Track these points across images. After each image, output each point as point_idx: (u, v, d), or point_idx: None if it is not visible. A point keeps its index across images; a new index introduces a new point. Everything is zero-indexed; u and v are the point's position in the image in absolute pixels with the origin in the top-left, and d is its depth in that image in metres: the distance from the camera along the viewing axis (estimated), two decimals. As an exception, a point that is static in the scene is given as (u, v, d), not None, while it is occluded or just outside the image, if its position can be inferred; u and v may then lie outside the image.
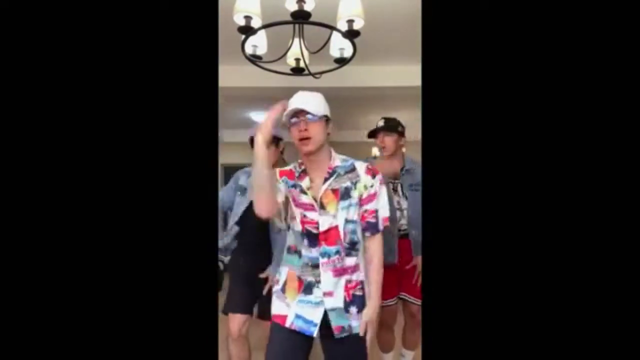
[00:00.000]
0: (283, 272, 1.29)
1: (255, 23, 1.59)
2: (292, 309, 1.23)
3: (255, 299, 1.86)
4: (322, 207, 1.21)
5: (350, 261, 1.22)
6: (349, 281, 1.22)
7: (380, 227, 1.26)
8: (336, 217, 1.21)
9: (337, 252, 1.20)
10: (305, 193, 1.23)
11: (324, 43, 1.79)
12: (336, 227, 1.20)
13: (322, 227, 1.20)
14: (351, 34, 1.65)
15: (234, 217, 1.92)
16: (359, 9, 1.61)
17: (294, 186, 1.26)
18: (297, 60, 1.98)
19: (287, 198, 1.26)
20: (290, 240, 1.28)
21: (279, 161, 1.87)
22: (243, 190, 1.93)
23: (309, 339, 1.22)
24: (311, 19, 1.60)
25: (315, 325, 1.19)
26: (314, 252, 1.21)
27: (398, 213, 1.84)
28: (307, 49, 1.79)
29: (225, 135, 5.55)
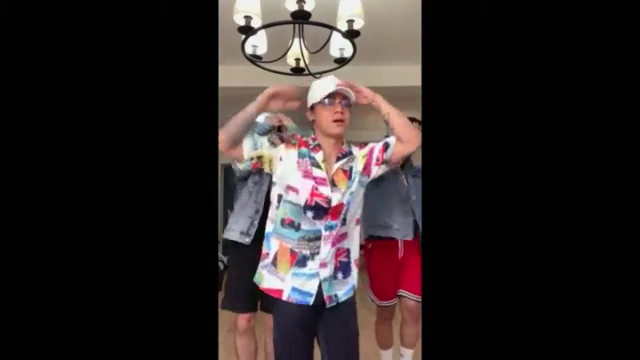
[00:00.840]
0: (274, 246, 1.28)
1: (255, 23, 1.59)
2: (287, 282, 1.24)
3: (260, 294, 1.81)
4: (334, 184, 1.25)
5: (345, 229, 1.28)
6: (338, 249, 1.27)
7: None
8: (344, 194, 1.26)
9: (337, 226, 1.25)
10: (319, 167, 1.25)
11: (324, 43, 1.79)
12: (342, 204, 1.25)
13: (333, 203, 1.23)
14: (351, 34, 1.65)
15: (253, 204, 1.79)
16: (359, 9, 1.61)
17: (306, 157, 1.26)
18: (297, 60, 1.98)
19: (270, 160, 1.26)
20: (284, 213, 1.25)
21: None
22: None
23: (310, 308, 1.24)
24: (311, 19, 1.60)
25: (312, 295, 1.22)
26: (318, 225, 1.23)
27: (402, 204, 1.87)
28: (307, 49, 1.79)
29: (225, 135, 5.54)
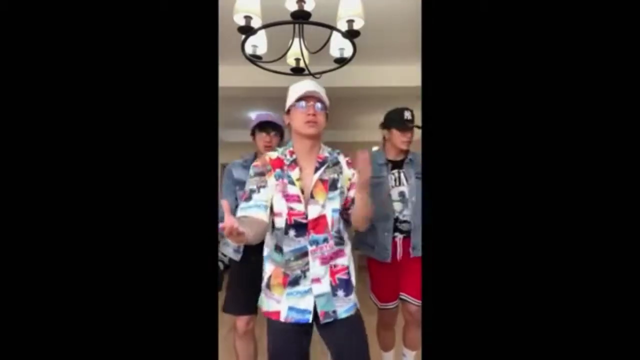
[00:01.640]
0: (268, 269, 1.30)
1: (255, 23, 1.59)
2: (282, 303, 1.25)
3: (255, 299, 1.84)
4: (312, 196, 1.25)
5: (337, 248, 1.28)
6: (334, 266, 1.27)
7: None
8: (324, 206, 1.25)
9: (325, 240, 1.25)
10: (293, 184, 1.25)
11: (324, 43, 1.79)
12: (324, 216, 1.25)
13: (311, 216, 1.23)
14: (351, 34, 1.65)
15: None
16: (359, 9, 1.61)
17: (281, 177, 1.26)
18: (297, 60, 1.98)
19: (271, 208, 1.27)
20: (275, 238, 1.28)
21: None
22: (242, 184, 1.83)
23: (307, 327, 1.25)
24: (311, 19, 1.60)
25: (310, 312, 1.23)
26: (302, 242, 1.23)
27: (399, 205, 1.81)
28: (307, 49, 1.79)
29: (225, 135, 5.56)
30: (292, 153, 1.30)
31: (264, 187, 1.25)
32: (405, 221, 1.82)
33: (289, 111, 1.29)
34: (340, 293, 1.26)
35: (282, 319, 1.24)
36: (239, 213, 1.23)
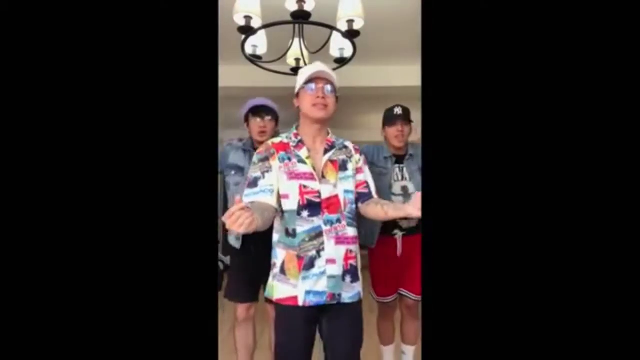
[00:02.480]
0: (280, 255, 1.27)
1: (255, 23, 1.59)
2: (299, 287, 1.22)
3: (261, 284, 1.81)
4: (323, 176, 1.25)
5: (351, 231, 1.27)
6: (349, 251, 1.26)
7: (374, 194, 1.37)
8: (336, 186, 1.26)
9: (339, 220, 1.25)
10: (304, 162, 1.25)
11: (324, 43, 1.79)
12: (337, 196, 1.25)
13: (324, 195, 1.23)
14: (351, 34, 1.65)
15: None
16: (359, 9, 1.62)
17: (289, 158, 1.25)
18: (297, 60, 1.98)
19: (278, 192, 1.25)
20: (285, 222, 1.25)
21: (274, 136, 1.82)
22: (238, 169, 1.80)
23: (316, 311, 1.24)
24: (311, 19, 1.61)
25: (325, 293, 1.22)
26: (317, 222, 1.22)
27: (401, 200, 1.81)
28: (307, 49, 1.80)
29: (225, 135, 5.56)
30: (297, 135, 1.30)
31: (268, 172, 1.24)
32: (405, 218, 1.82)
33: (298, 94, 1.29)
34: (348, 279, 1.26)
35: (300, 303, 1.22)
36: (245, 200, 1.19)
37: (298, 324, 1.23)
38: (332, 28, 1.63)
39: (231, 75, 2.89)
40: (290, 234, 1.24)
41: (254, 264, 1.73)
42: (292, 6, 1.60)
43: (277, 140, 1.31)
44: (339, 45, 1.83)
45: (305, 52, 1.82)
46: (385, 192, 1.77)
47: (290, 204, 1.23)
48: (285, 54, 1.86)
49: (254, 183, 1.24)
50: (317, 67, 1.25)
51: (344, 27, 1.64)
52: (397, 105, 1.89)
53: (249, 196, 1.22)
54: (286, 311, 1.25)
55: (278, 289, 1.26)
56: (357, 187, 1.34)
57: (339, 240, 1.24)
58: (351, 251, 1.27)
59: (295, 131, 1.31)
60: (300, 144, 1.28)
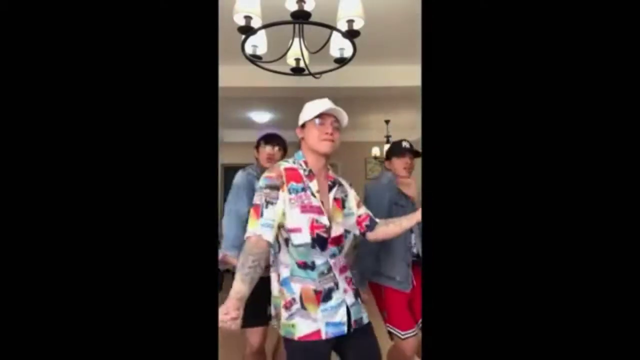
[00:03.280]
0: (296, 290, 1.20)
1: (255, 23, 1.59)
2: (319, 322, 1.19)
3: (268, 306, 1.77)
4: (329, 213, 1.26)
5: (345, 260, 1.33)
6: (347, 277, 1.30)
7: (376, 220, 1.43)
8: (339, 224, 1.30)
9: (340, 251, 1.30)
10: (314, 196, 1.23)
11: (324, 43, 1.79)
12: (342, 235, 1.31)
13: (333, 234, 1.25)
14: (351, 34, 1.65)
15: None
16: (359, 9, 1.62)
17: (304, 189, 1.22)
18: (297, 60, 1.98)
19: (279, 226, 1.21)
20: (297, 256, 1.21)
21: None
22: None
23: (334, 342, 1.23)
24: (311, 19, 1.61)
25: (344, 323, 1.22)
26: (325, 256, 1.23)
27: (412, 236, 1.80)
28: (307, 49, 1.80)
29: (225, 135, 5.56)
30: (306, 163, 1.27)
31: (272, 203, 1.18)
32: (418, 256, 1.83)
33: (303, 125, 1.28)
34: (359, 300, 1.31)
35: (323, 337, 1.18)
36: (250, 230, 1.17)
37: (321, 359, 1.22)
38: (332, 28, 1.63)
39: (231, 75, 2.89)
40: (309, 266, 1.20)
41: (261, 286, 1.65)
42: (292, 6, 1.59)
43: (287, 165, 1.26)
44: (339, 45, 1.83)
45: (305, 52, 1.82)
46: (394, 249, 1.77)
47: (303, 237, 1.19)
48: (285, 54, 1.86)
49: (260, 213, 1.18)
50: (328, 103, 1.26)
51: (344, 27, 1.64)
52: (405, 140, 1.92)
53: (253, 226, 1.17)
54: (308, 347, 1.19)
55: (300, 325, 1.19)
56: (362, 221, 1.40)
57: (342, 270, 1.29)
58: (347, 277, 1.30)
59: (305, 159, 1.27)
60: (311, 174, 1.25)
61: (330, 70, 1.91)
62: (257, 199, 1.20)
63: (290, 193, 1.20)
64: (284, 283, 1.22)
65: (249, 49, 1.79)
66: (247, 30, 1.60)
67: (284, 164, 1.26)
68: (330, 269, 1.23)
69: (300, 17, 1.59)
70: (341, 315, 1.22)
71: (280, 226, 1.20)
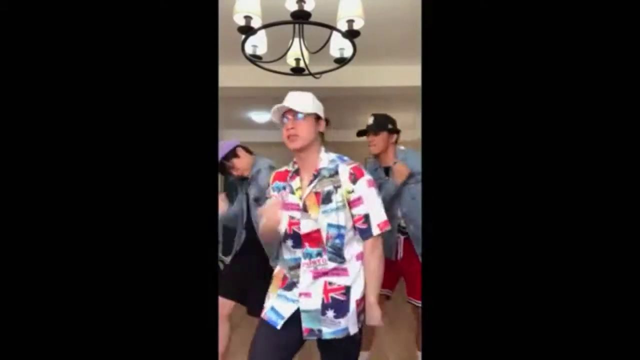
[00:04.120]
0: (276, 270, 1.35)
1: (255, 23, 1.59)
2: (270, 301, 1.26)
3: (246, 292, 1.91)
4: (305, 209, 1.23)
5: (332, 264, 1.20)
6: (329, 283, 1.19)
7: (374, 232, 1.22)
8: (317, 221, 1.19)
9: (319, 254, 1.20)
10: (293, 193, 1.27)
11: (324, 43, 1.79)
12: (318, 231, 1.20)
13: (304, 230, 1.21)
14: (351, 34, 1.65)
15: (241, 223, 1.99)
16: (359, 9, 1.62)
17: (284, 187, 1.30)
18: (297, 60, 1.98)
19: None
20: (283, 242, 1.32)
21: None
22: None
23: (281, 333, 1.19)
24: (311, 19, 1.61)
25: (282, 318, 1.20)
26: (297, 253, 1.23)
27: (399, 211, 1.83)
28: (307, 49, 1.80)
29: (225, 135, 5.56)
30: (294, 164, 1.33)
31: (269, 198, 1.33)
32: (404, 229, 1.85)
33: None
34: (330, 313, 1.18)
35: (264, 317, 1.24)
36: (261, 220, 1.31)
37: (267, 341, 1.21)
38: (332, 28, 1.63)
39: (231, 75, 2.89)
40: (279, 256, 1.33)
41: (242, 271, 1.91)
42: (292, 6, 1.59)
43: (282, 169, 1.36)
44: (339, 45, 1.83)
45: (305, 52, 1.82)
46: (385, 201, 1.76)
47: (284, 229, 1.26)
48: (285, 54, 1.86)
49: (262, 204, 1.39)
50: (284, 101, 1.23)
51: (344, 27, 1.64)
52: (372, 115, 1.91)
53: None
54: (260, 325, 1.26)
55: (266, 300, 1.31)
56: (355, 221, 1.23)
57: (317, 274, 1.20)
58: (331, 283, 1.19)
59: (295, 159, 1.33)
60: (295, 174, 1.30)
61: (330, 70, 1.91)
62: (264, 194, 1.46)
63: (273, 191, 1.33)
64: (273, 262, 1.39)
65: (249, 49, 1.80)
66: (247, 30, 1.60)
67: (278, 170, 1.38)
68: (296, 267, 1.23)
69: (300, 17, 1.59)
70: (286, 310, 1.21)
71: None
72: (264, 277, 1.51)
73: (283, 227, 1.25)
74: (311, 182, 1.24)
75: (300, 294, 1.21)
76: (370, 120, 1.88)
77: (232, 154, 1.93)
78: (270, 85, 2.81)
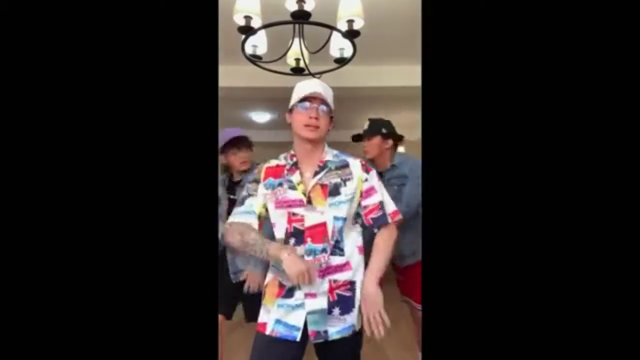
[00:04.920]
0: (268, 279, 1.23)
1: (255, 23, 1.59)
2: (271, 314, 1.15)
3: (237, 302, 1.86)
4: (309, 202, 1.16)
5: (335, 260, 1.15)
6: (334, 281, 1.15)
7: (389, 219, 1.21)
8: (324, 213, 1.15)
9: (324, 250, 1.14)
10: (294, 188, 1.18)
11: (324, 43, 1.79)
12: (324, 224, 1.15)
13: (308, 223, 1.15)
14: (351, 34, 1.65)
15: None
16: (359, 9, 1.62)
17: (280, 184, 1.20)
18: (297, 60, 1.98)
19: (260, 216, 1.23)
20: None
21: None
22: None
23: (297, 345, 1.13)
24: (311, 19, 1.61)
25: (299, 329, 1.12)
26: (299, 251, 1.13)
27: None
28: (307, 49, 1.80)
29: (225, 135, 5.55)
30: (292, 156, 1.24)
31: (252, 195, 1.23)
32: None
33: (291, 110, 1.22)
34: (336, 311, 1.13)
35: (267, 331, 1.14)
36: (230, 219, 1.23)
37: (266, 356, 1.13)
38: (332, 28, 1.63)
39: (231, 75, 2.89)
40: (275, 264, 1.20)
41: (230, 283, 1.81)
42: (292, 6, 1.60)
43: (273, 163, 1.26)
44: (339, 45, 1.83)
45: (305, 52, 1.82)
46: None
47: (279, 232, 1.18)
48: (285, 54, 1.86)
49: (242, 202, 1.24)
50: (314, 86, 1.17)
51: (344, 27, 1.64)
52: (368, 119, 1.90)
53: (235, 215, 1.23)
54: (257, 337, 1.17)
55: (261, 313, 1.20)
56: (367, 213, 1.20)
57: (322, 273, 1.13)
58: (336, 280, 1.14)
59: (292, 152, 1.25)
60: (293, 167, 1.21)
61: (330, 70, 1.92)
62: (243, 192, 1.24)
63: (266, 189, 1.22)
64: (270, 271, 1.24)
65: (249, 49, 1.80)
66: (247, 30, 1.60)
67: (268, 164, 1.27)
68: None
69: (300, 17, 1.59)
70: (297, 319, 1.12)
71: (265, 218, 1.23)
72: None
73: (280, 231, 1.18)
74: (316, 173, 1.19)
75: (305, 295, 1.13)
76: (366, 125, 1.88)
77: (231, 145, 1.79)
78: (270, 85, 2.81)
